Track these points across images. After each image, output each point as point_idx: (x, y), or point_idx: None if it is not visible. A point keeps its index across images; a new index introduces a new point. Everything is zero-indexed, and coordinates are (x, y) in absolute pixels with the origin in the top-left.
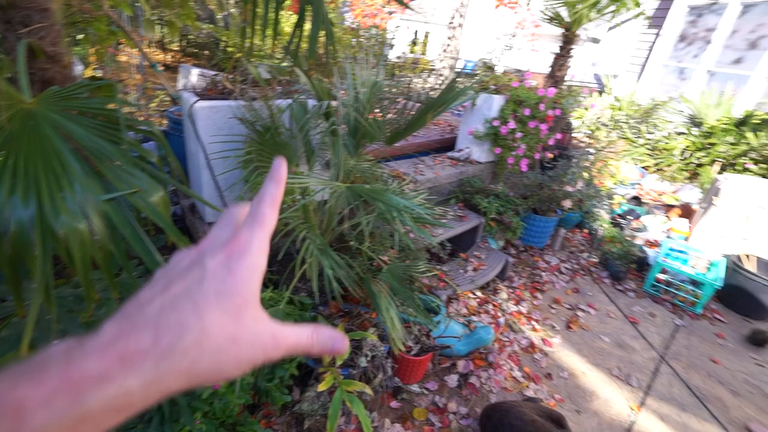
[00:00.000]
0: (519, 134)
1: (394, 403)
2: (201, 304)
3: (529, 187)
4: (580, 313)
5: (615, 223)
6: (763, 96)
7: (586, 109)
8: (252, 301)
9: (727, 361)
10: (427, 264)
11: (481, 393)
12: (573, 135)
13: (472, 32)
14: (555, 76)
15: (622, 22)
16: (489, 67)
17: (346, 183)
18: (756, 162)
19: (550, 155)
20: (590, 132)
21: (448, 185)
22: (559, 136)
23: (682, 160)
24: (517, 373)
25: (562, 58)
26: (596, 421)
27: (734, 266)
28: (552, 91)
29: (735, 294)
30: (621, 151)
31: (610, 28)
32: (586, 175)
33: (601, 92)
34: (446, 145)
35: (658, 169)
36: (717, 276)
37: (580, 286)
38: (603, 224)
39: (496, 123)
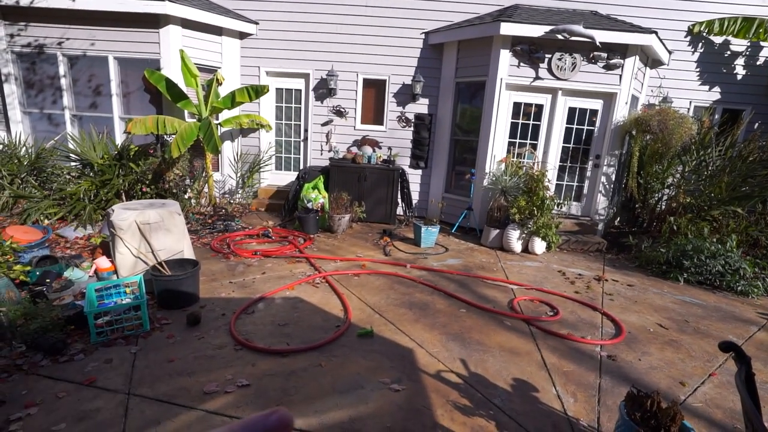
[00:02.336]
0: None
1: None
2: None
3: None
4: None
5: (33, 295)
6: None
7: None
8: None
9: (181, 353)
10: None
11: None
12: None
13: None
14: None
15: None
16: None
17: None
18: (148, 185)
19: None
20: None
21: None
22: None
23: (91, 201)
24: None
25: None
26: None
27: (154, 275)
28: None
29: (167, 295)
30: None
31: None
32: None
33: None
34: None
35: (76, 216)
36: (142, 292)
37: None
38: None
39: None
